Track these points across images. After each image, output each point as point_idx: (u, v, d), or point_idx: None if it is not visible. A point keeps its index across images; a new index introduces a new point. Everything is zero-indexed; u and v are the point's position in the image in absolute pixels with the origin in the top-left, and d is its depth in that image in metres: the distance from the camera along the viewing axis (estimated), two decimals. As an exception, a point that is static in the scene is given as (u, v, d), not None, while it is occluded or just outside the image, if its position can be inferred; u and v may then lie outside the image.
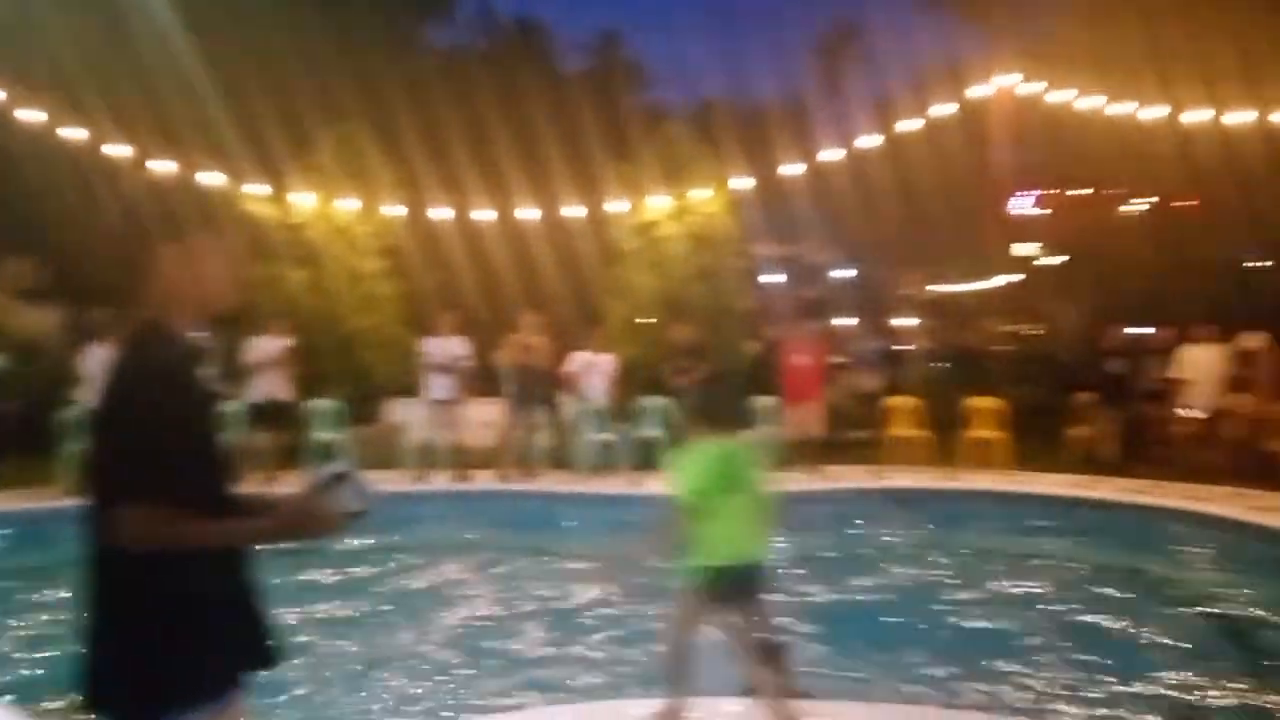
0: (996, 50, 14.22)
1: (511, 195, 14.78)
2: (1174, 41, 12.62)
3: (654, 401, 11.73)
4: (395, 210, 14.48)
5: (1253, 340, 10.44)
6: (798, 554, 8.41)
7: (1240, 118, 11.32)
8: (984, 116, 14.38)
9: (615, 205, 14.32)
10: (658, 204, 14.06)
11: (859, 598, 6.98)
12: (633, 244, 14.29)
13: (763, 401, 11.74)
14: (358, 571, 7.49)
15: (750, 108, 18.78)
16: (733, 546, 4.02)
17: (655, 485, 10.42)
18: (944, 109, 13.59)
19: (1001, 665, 5.41)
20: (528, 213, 14.70)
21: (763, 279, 22.84)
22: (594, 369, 11.74)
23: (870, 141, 13.62)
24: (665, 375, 11.78)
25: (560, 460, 11.68)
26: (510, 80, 16.72)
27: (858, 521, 9.41)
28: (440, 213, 14.72)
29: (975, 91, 13.72)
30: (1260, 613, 6.40)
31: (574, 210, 14.50)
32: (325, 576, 7.28)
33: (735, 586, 4.03)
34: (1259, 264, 16.70)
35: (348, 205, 14.10)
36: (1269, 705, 4.90)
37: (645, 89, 20.87)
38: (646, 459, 11.50)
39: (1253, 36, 12.17)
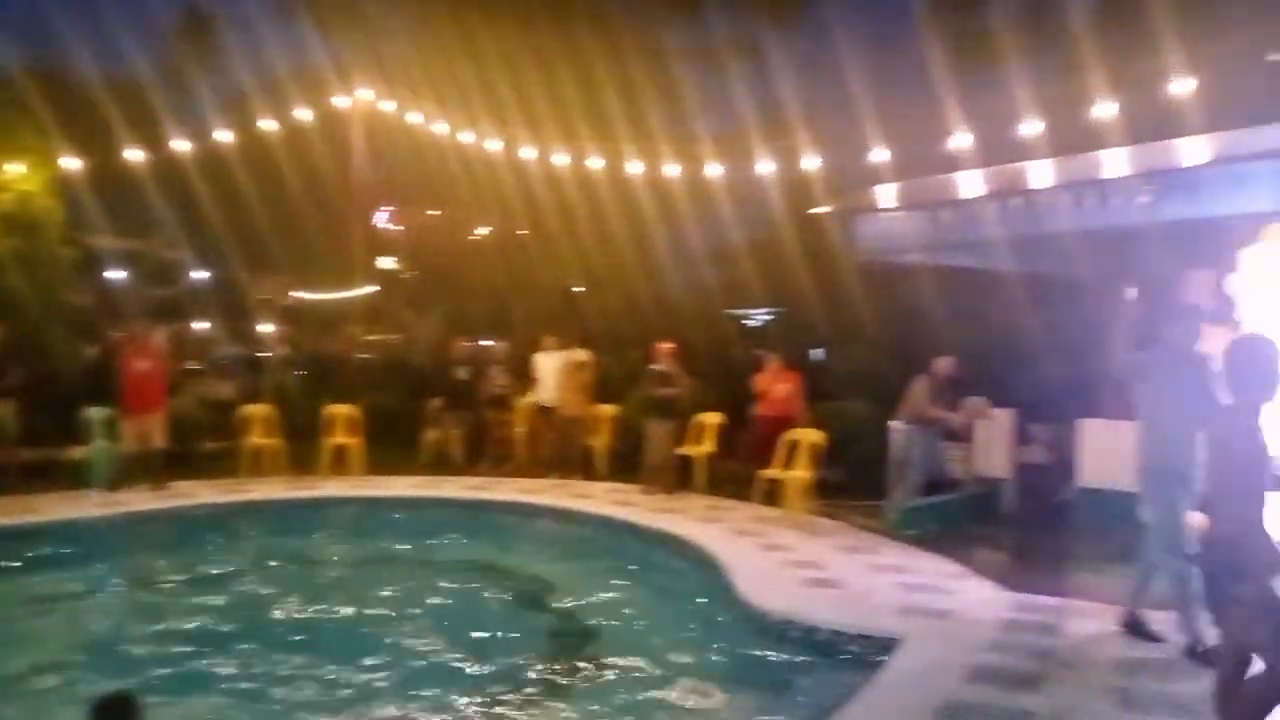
0: (352, 67, 14.57)
1: None
2: (505, 85, 14.30)
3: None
4: None
5: (580, 354, 12.22)
6: (135, 578, 7.66)
7: (562, 160, 13.17)
8: (343, 129, 14.63)
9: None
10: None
11: (206, 622, 6.50)
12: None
13: (98, 412, 10.34)
14: None
15: (83, 84, 16.43)
16: None
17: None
18: (303, 115, 13.48)
19: (362, 662, 5.51)
20: None
21: (104, 274, 20.27)
22: None
23: (226, 137, 12.90)
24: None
25: None
26: None
27: (212, 539, 8.82)
28: None
29: (334, 103, 13.88)
30: (578, 583, 7.46)
31: None
32: None
33: None
34: (580, 289, 19.58)
35: None
36: (597, 668, 5.72)
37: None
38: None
39: (569, 93, 14.35)
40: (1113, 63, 9.72)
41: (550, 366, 12.06)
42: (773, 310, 18.94)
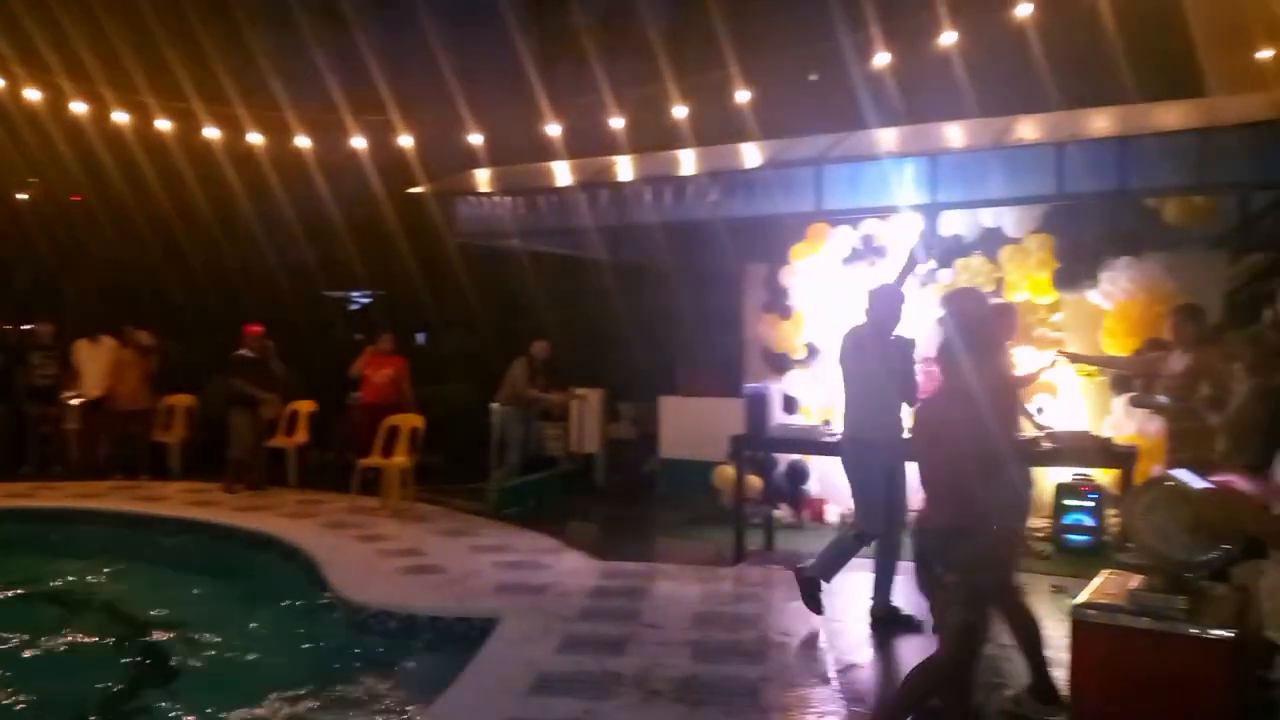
0: None
1: None
2: (44, 29, 12.26)
3: None
4: None
5: (144, 337, 10.86)
6: None
7: (122, 119, 11.56)
8: None
9: None
10: None
11: None
12: None
13: None
14: None
15: None
16: None
17: None
18: None
19: None
20: None
21: None
22: None
23: None
24: None
25: None
26: None
27: None
28: None
29: None
30: (148, 597, 6.66)
31: None
32: None
33: None
34: (151, 264, 17.44)
35: None
36: (176, 688, 5.14)
37: None
38: None
39: (121, 43, 12.61)
40: (685, 71, 10.61)
41: (99, 354, 10.62)
42: (375, 292, 18.36)
